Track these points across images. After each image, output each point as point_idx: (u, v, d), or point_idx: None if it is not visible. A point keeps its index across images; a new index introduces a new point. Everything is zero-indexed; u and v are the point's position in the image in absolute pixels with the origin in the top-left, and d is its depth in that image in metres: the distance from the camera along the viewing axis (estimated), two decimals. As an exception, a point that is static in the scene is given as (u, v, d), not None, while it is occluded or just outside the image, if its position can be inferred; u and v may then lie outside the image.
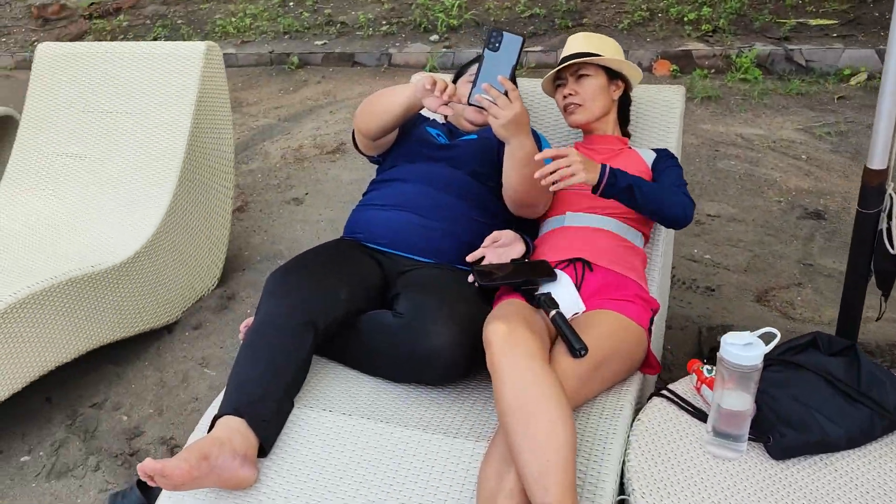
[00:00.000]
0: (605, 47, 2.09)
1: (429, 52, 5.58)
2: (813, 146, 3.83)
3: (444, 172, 2.03)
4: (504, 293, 1.85)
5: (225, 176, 2.88)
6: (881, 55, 4.68)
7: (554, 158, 1.73)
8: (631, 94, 2.23)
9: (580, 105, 2.05)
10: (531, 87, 2.46)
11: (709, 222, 3.18)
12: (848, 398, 1.49)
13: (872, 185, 1.86)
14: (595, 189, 1.77)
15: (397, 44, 5.85)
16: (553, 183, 1.72)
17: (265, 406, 1.54)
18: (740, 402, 1.41)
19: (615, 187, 1.77)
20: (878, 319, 1.98)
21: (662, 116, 2.29)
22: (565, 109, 2.08)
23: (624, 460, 1.46)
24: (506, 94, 1.71)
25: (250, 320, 2.02)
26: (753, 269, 2.84)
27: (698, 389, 1.61)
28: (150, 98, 2.74)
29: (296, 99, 5.13)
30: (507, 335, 1.47)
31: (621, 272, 1.85)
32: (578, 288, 1.82)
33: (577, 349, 1.56)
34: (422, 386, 1.73)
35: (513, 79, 1.74)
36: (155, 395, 2.41)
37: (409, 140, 2.16)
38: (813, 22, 5.24)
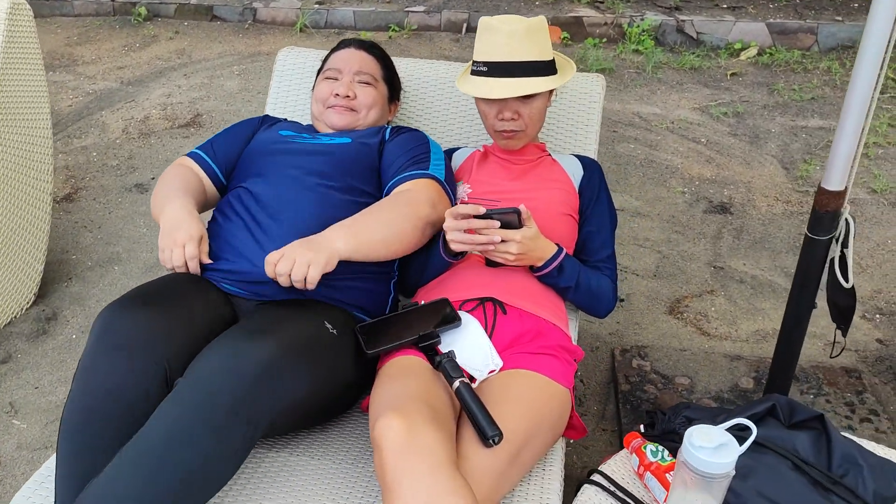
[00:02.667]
0: (545, 41, 1.65)
1: (299, 8, 5.00)
2: (711, 128, 3.63)
3: (309, 182, 1.57)
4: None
5: (41, 160, 2.30)
6: (772, 28, 4.57)
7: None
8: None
9: (522, 130, 1.65)
10: (414, 68, 2.04)
11: (612, 217, 2.90)
12: (820, 488, 1.22)
13: (827, 208, 1.59)
14: (533, 269, 1.54)
15: (263, -4, 5.22)
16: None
17: None
18: (704, 512, 1.11)
19: (556, 281, 1.55)
20: (834, 356, 1.74)
21: (580, 112, 1.94)
22: (500, 133, 1.67)
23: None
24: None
25: None
26: (663, 274, 2.58)
27: (641, 476, 1.29)
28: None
29: (143, 58, 4.44)
30: (407, 440, 1.08)
31: (541, 315, 1.51)
32: (490, 336, 1.45)
33: (490, 437, 1.21)
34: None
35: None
36: (-58, 459, 1.87)
37: (258, 147, 1.69)
38: (702, -9, 5.07)
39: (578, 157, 1.79)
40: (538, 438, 1.31)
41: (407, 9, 4.98)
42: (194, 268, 1.41)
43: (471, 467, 1.18)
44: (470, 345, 1.43)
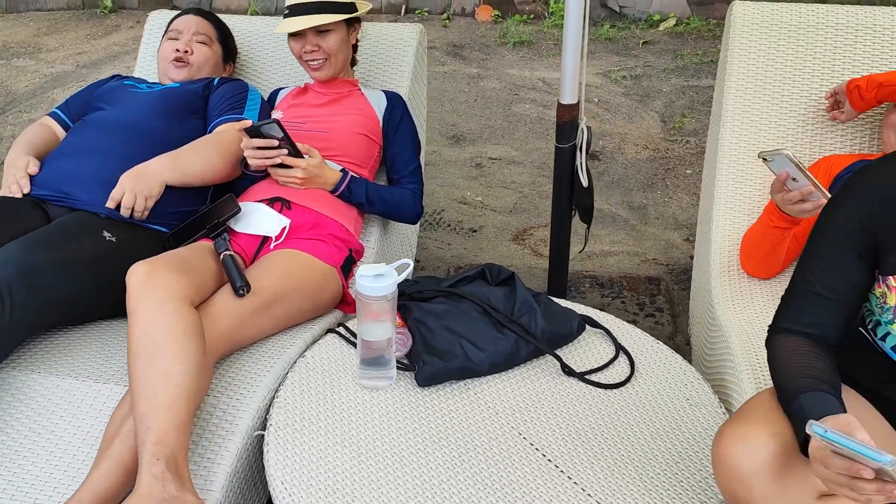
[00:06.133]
0: None
1: (251, -5, 5.37)
2: (607, 90, 3.93)
3: (124, 115, 1.92)
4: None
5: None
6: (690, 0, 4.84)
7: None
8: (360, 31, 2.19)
9: (326, 59, 1.99)
10: (249, 24, 2.39)
11: (489, 165, 3.22)
12: (498, 325, 1.54)
13: (565, 120, 1.91)
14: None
15: (219, -13, 5.59)
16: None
17: None
18: (380, 331, 1.43)
19: (349, 199, 1.89)
20: (580, 251, 2.05)
21: (396, 54, 2.27)
22: (308, 65, 2.01)
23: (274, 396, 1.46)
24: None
25: None
26: (518, 210, 2.90)
27: (369, 324, 1.62)
28: None
29: (101, 45, 4.83)
30: (145, 278, 1.41)
31: (322, 211, 1.84)
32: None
33: (238, 287, 1.54)
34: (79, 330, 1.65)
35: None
36: None
37: (102, 92, 2.05)
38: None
39: (386, 92, 2.12)
40: (291, 298, 1.64)
41: None
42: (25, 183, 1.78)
43: (213, 308, 1.51)
44: (258, 219, 1.79)
